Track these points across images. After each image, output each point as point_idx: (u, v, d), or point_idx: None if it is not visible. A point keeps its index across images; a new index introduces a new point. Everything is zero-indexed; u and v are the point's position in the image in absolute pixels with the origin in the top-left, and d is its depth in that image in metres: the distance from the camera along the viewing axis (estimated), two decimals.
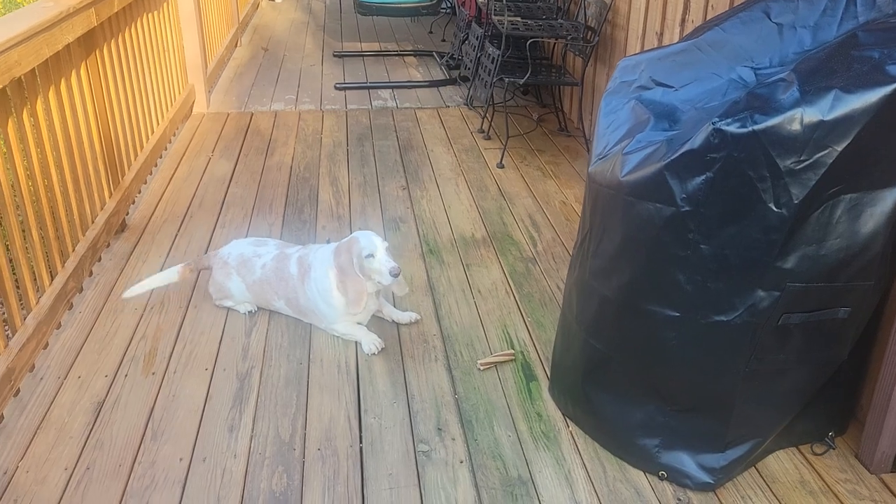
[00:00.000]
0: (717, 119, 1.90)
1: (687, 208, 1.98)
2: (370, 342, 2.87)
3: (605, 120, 2.38)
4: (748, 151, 1.88)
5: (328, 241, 3.43)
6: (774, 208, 1.90)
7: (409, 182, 4.45)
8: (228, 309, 3.12)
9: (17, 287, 2.70)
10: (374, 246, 2.81)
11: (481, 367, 2.79)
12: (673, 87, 2.30)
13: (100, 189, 3.51)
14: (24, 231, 2.75)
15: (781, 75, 1.95)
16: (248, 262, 3.06)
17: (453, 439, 2.45)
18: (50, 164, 2.97)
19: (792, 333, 2.07)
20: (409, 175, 4.56)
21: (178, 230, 3.81)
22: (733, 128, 1.88)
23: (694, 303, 2.06)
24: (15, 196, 2.69)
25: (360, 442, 2.44)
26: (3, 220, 2.60)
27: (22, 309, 2.70)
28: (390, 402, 2.62)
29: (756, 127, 1.85)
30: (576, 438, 2.46)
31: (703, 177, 1.94)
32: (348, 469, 2.32)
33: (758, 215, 1.92)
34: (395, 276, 2.76)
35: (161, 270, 3.38)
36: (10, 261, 2.63)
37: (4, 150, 2.64)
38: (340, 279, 2.85)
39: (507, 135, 4.87)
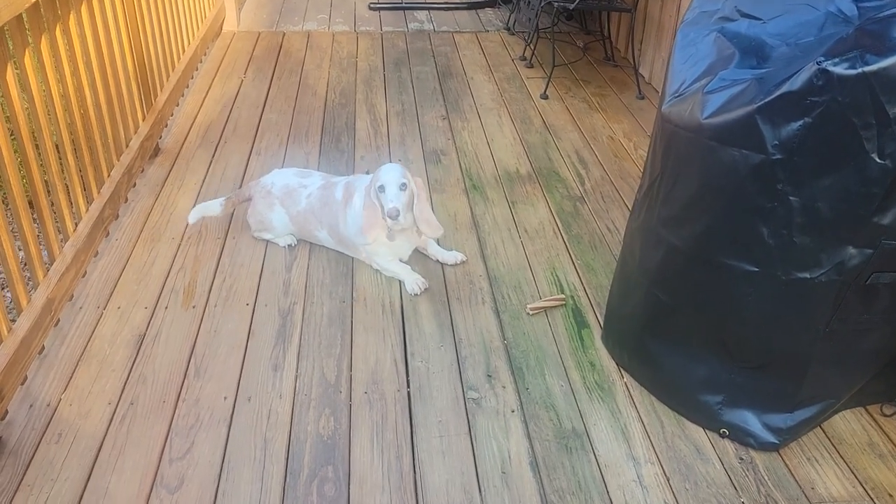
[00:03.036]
0: (821, 58, 1.72)
1: (778, 156, 1.82)
2: (413, 282, 2.76)
3: (682, 54, 2.19)
4: (854, 96, 1.70)
5: (367, 173, 3.29)
6: (878, 159, 1.74)
7: (450, 111, 4.27)
8: (267, 242, 3.02)
9: (54, 213, 2.60)
10: (387, 179, 2.68)
11: (530, 312, 2.68)
12: (761, 18, 2.09)
13: (133, 111, 3.38)
14: (59, 155, 2.63)
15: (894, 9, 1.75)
16: (293, 193, 2.93)
17: (504, 387, 2.37)
18: (84, 84, 2.84)
19: (880, 293, 1.93)
20: (448, 104, 4.37)
21: (213, 156, 3.68)
22: (841, 68, 1.69)
23: (776, 258, 1.92)
24: (50, 118, 2.56)
25: (408, 387, 2.36)
26: (39, 143, 2.48)
27: (60, 236, 2.61)
28: (437, 345, 2.53)
29: (867, 69, 1.67)
30: (631, 391, 2.37)
31: (800, 122, 1.77)
32: (396, 415, 2.25)
33: (857, 166, 1.76)
34: (392, 217, 2.64)
35: (198, 197, 3.29)
36: (47, 184, 2.53)
37: (34, 70, 2.49)
38: (365, 205, 2.75)
39: (553, 63, 4.64)
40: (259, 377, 2.37)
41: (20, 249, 2.43)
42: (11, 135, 2.28)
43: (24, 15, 2.35)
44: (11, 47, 2.30)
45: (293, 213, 2.92)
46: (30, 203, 2.43)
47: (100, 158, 2.97)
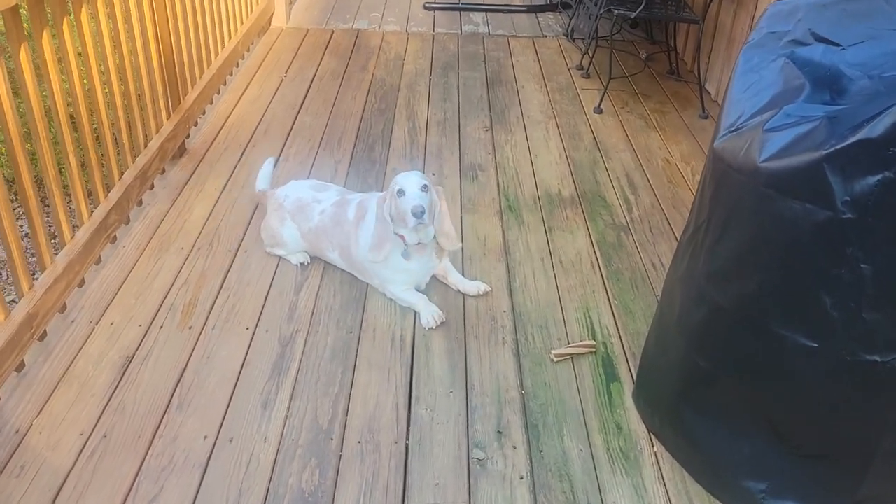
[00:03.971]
0: None
1: (849, 215, 1.50)
2: (429, 314, 2.52)
3: (743, 81, 1.87)
4: None
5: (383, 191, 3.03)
6: None
7: (494, 122, 4.00)
8: (280, 259, 2.81)
9: (49, 217, 2.45)
10: (406, 182, 2.43)
11: (555, 359, 2.40)
12: (839, 44, 1.76)
13: (157, 110, 3.22)
14: (59, 159, 2.47)
15: None
16: (305, 208, 2.72)
17: (514, 447, 2.10)
18: (95, 82, 2.67)
19: None
20: (494, 114, 4.10)
21: (239, 159, 3.51)
22: None
23: (840, 334, 1.60)
24: (51, 119, 2.41)
25: (407, 438, 2.11)
26: (35, 142, 2.32)
27: (55, 241, 2.46)
28: (446, 390, 2.28)
29: None
30: (661, 463, 2.07)
31: (879, 176, 1.45)
32: (390, 472, 2.01)
33: None
34: (416, 215, 2.37)
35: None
36: (41, 185, 2.37)
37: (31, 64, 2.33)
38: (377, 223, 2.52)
39: (610, 75, 4.32)
40: (246, 415, 2.15)
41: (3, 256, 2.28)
42: None
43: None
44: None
45: (304, 229, 2.71)
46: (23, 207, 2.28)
47: (110, 160, 2.81)
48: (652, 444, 2.13)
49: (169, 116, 3.36)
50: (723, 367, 1.86)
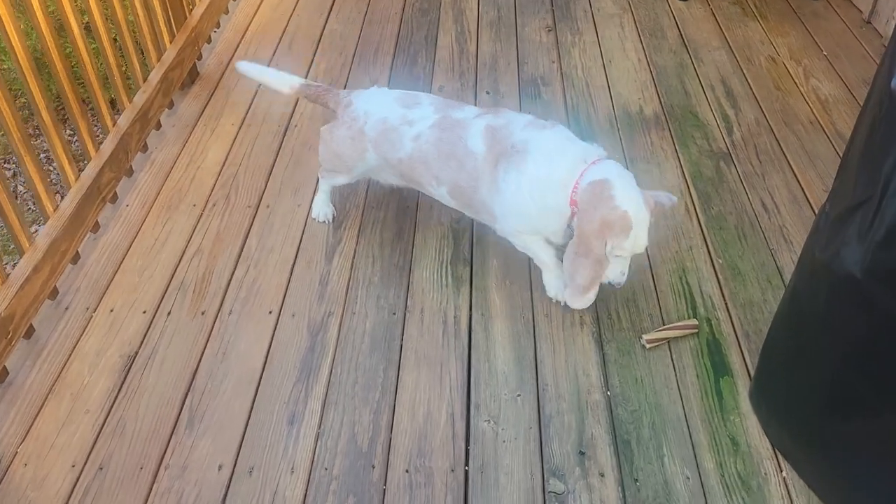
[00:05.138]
0: None
1: None
2: (555, 283, 2.01)
3: None
4: None
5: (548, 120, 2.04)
6: None
7: (557, 20, 3.35)
8: (309, 213, 2.35)
9: (23, 189, 2.02)
10: (641, 237, 1.81)
11: (647, 345, 1.92)
12: None
13: (155, 35, 2.70)
14: (27, 112, 2.01)
15: None
16: (391, 134, 2.05)
17: (601, 475, 1.67)
18: (65, 6, 2.17)
19: None
20: (557, 8, 3.44)
21: (259, 85, 2.98)
22: None
23: None
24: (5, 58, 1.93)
25: (466, 464, 1.70)
26: None
27: (34, 224, 2.05)
28: (513, 393, 1.84)
29: None
30: (792, 495, 1.62)
31: None
32: None
33: None
34: (615, 285, 1.88)
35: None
36: (7, 154, 1.93)
37: None
38: (579, 243, 1.83)
39: None
40: (269, 434, 1.77)
41: None
42: None
43: None
44: None
45: (393, 159, 2.09)
46: None
47: (100, 105, 2.34)
48: (780, 467, 1.67)
49: (172, 39, 2.83)
50: (892, 401, 1.35)
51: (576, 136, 1.97)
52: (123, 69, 2.51)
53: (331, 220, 2.32)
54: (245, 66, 2.35)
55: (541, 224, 1.94)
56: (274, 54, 3.18)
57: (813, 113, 2.73)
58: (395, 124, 2.05)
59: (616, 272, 1.85)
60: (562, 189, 1.84)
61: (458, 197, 2.05)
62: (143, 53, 2.68)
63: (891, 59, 1.31)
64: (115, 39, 2.49)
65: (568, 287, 1.88)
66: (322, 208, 2.33)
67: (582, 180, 1.82)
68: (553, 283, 2.02)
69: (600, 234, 1.78)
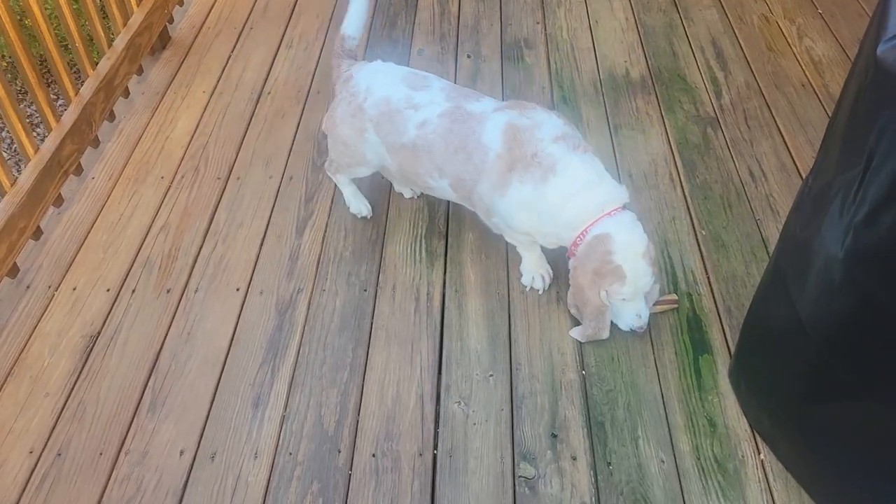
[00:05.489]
0: None
1: None
2: (534, 271, 1.95)
3: None
4: None
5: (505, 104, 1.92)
6: None
7: None
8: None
9: None
10: (640, 285, 1.74)
11: None
12: None
13: None
14: None
15: None
16: (394, 116, 1.88)
17: (574, 458, 1.62)
18: None
19: None
20: None
21: (234, 49, 2.88)
22: None
23: None
24: None
25: (435, 447, 1.65)
26: None
27: None
28: (485, 373, 1.78)
29: None
30: (770, 478, 1.57)
31: None
32: (412, 499, 1.56)
33: None
34: (637, 330, 1.80)
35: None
36: None
37: None
38: (592, 271, 1.74)
39: None
40: (233, 418, 1.72)
41: None
42: None
43: None
44: None
45: (393, 144, 1.92)
46: None
47: (60, 73, 2.24)
48: (758, 449, 1.62)
49: (140, 2, 2.72)
50: (871, 386, 1.29)
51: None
52: (86, 33, 2.40)
53: (370, 213, 2.16)
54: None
55: (535, 236, 1.88)
56: (249, 16, 3.06)
57: (805, 75, 2.63)
58: (398, 106, 1.88)
59: (631, 317, 1.78)
60: (570, 229, 1.77)
61: (458, 189, 1.90)
62: (105, 16, 2.57)
63: (878, 24, 1.22)
64: (74, 1, 2.39)
65: (581, 328, 1.83)
66: (356, 203, 2.15)
67: (590, 230, 1.74)
68: (529, 271, 1.96)
69: (593, 286, 1.73)
